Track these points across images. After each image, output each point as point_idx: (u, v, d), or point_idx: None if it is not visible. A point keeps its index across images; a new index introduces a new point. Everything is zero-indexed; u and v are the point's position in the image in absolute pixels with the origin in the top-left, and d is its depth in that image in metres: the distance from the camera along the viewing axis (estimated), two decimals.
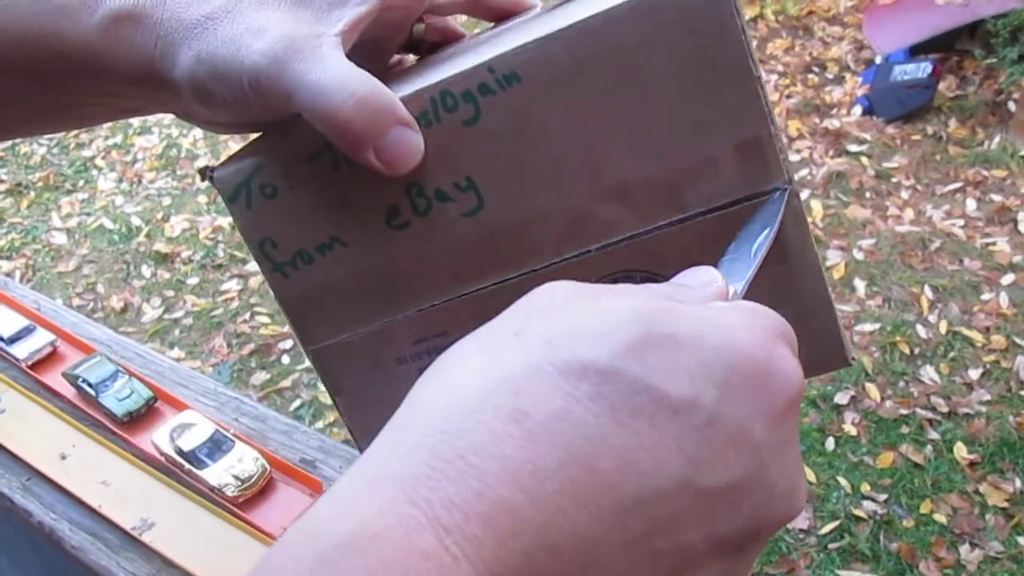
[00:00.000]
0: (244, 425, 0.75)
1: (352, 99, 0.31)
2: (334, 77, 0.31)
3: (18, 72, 0.35)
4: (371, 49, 0.38)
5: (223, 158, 0.36)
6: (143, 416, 0.76)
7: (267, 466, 0.69)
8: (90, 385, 0.77)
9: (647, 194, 0.34)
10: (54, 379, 0.82)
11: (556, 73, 0.32)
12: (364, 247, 0.36)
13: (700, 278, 0.29)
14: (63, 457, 0.74)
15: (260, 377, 2.47)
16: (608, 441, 0.22)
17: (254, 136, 0.38)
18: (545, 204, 0.34)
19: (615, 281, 0.35)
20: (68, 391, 0.80)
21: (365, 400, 0.40)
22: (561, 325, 0.25)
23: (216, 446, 0.70)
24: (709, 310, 0.26)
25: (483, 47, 0.35)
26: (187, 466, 0.70)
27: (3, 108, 0.38)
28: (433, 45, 0.41)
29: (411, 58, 0.42)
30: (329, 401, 2.33)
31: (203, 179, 0.37)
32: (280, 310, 0.43)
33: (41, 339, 0.85)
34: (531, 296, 0.27)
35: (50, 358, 0.85)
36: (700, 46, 0.31)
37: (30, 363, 0.83)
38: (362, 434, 0.40)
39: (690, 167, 0.33)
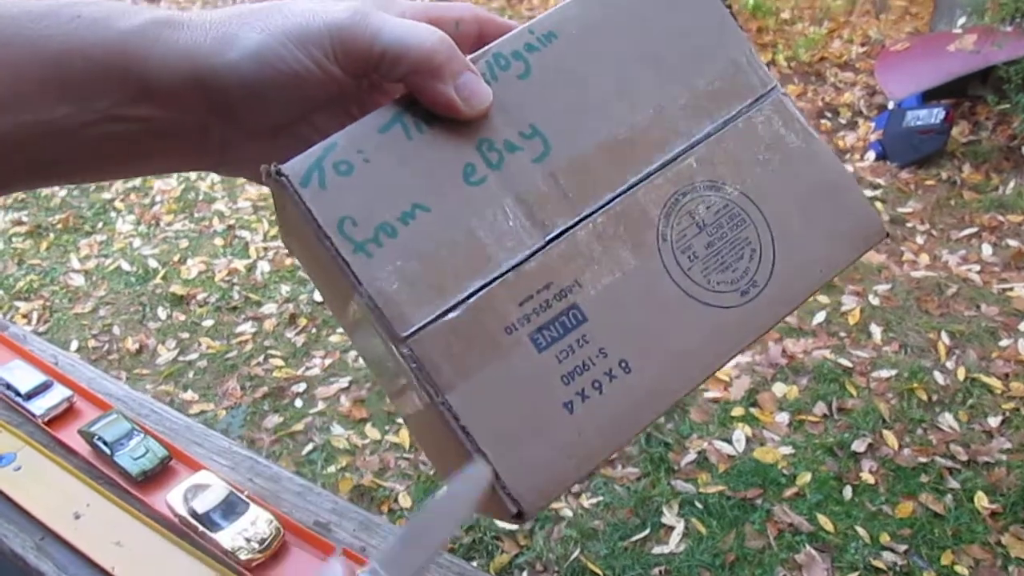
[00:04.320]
0: (258, 486, 0.74)
1: (435, 35, 0.36)
2: (414, 22, 0.36)
3: (53, 90, 0.35)
4: None
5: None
6: (158, 475, 0.76)
7: (281, 529, 0.69)
8: (106, 443, 0.77)
9: (680, 113, 0.41)
10: (70, 436, 0.82)
11: (585, 25, 0.40)
12: (446, 209, 0.37)
13: None
14: (77, 516, 0.74)
15: (273, 420, 2.47)
16: None
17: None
18: (601, 136, 0.40)
19: (682, 196, 0.41)
20: (83, 448, 0.80)
21: (481, 388, 0.36)
22: None
23: (230, 508, 0.70)
24: None
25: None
26: (201, 528, 0.69)
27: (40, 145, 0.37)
28: None
29: None
30: (341, 445, 2.33)
31: (266, 179, 0.36)
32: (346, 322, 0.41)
33: (58, 395, 0.85)
34: None
35: (66, 414, 0.85)
36: None
37: (47, 419, 0.84)
38: (484, 436, 0.35)
39: (703, 86, 0.41)
